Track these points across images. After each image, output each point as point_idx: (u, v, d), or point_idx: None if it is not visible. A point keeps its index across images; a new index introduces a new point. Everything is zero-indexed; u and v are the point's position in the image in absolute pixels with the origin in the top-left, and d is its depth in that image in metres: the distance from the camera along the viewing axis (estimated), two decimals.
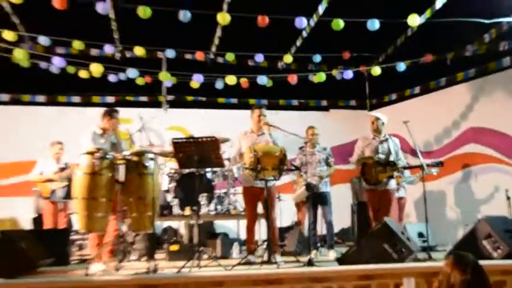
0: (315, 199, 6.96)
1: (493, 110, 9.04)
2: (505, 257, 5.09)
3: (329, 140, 8.02)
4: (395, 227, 5.32)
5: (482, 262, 4.86)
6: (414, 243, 5.59)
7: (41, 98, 10.58)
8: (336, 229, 7.88)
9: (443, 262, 2.93)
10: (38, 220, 8.29)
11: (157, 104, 10.89)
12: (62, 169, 7.69)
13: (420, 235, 7.56)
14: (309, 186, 6.59)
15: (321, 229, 7.73)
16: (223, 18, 8.20)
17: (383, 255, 5.03)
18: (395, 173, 6.49)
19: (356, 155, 6.75)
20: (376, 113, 6.85)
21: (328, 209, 7.08)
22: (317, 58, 10.39)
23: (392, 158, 6.52)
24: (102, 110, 6.16)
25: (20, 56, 9.10)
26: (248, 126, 6.47)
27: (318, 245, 7.85)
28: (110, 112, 6.02)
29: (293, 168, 6.84)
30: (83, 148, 5.37)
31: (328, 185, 7.26)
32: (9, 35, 8.81)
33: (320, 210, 7.17)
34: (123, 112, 6.10)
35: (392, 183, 6.60)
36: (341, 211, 7.21)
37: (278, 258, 5.76)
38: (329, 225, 7.05)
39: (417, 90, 10.60)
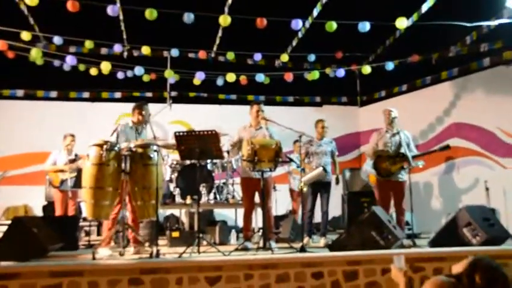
0: (318, 188, 6.89)
1: (475, 106, 9.02)
2: (483, 244, 5.09)
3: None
4: (383, 216, 5.29)
5: (461, 248, 4.91)
6: (400, 231, 5.56)
7: (53, 94, 10.54)
8: None
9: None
10: (48, 208, 8.27)
11: (161, 100, 10.85)
12: (72, 160, 7.63)
13: (406, 223, 7.54)
14: (324, 168, 6.56)
15: (316, 217, 7.71)
16: (224, 20, 8.15)
17: (370, 242, 5.00)
18: (405, 164, 6.33)
19: (371, 147, 6.63)
20: (389, 107, 6.70)
21: (327, 198, 7.00)
22: (312, 57, 10.38)
23: (402, 150, 6.38)
24: (112, 104, 6.05)
25: (35, 54, 9.07)
26: (247, 120, 6.43)
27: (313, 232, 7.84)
28: (139, 106, 5.94)
29: (288, 160, 6.80)
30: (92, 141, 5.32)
31: (330, 175, 7.10)
32: (26, 35, 8.78)
33: (318, 199, 7.06)
34: (130, 107, 6.03)
35: (404, 175, 6.45)
36: (332, 200, 7.14)
37: (273, 244, 5.75)
38: (325, 214, 6.96)
39: (404, 87, 10.58)
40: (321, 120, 7.12)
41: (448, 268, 3.58)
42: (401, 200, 6.41)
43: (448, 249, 4.87)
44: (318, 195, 6.95)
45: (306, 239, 6.48)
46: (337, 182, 7.00)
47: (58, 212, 7.59)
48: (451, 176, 9.34)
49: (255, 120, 6.30)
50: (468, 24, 8.25)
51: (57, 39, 9.30)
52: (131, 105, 6.05)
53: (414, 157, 6.41)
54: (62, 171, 7.58)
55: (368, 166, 6.79)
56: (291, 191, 8.62)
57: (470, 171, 8.92)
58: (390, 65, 9.81)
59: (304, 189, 6.77)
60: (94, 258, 4.55)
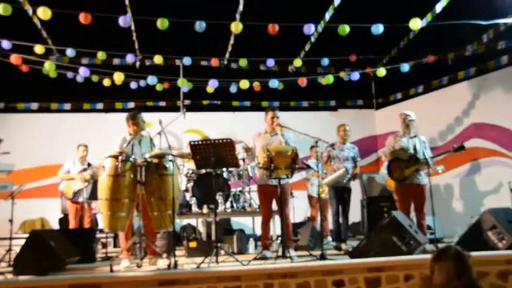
0: (340, 192, 6.85)
1: (493, 106, 8.91)
2: (510, 247, 4.96)
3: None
4: (404, 220, 5.21)
5: (487, 253, 4.81)
6: (422, 236, 5.47)
7: (67, 106, 10.65)
8: None
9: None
10: (64, 220, 8.33)
11: (175, 109, 10.89)
12: (84, 170, 7.68)
13: (428, 227, 7.43)
14: (347, 169, 6.52)
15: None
16: (236, 27, 8.17)
17: (392, 248, 4.92)
18: (425, 169, 6.21)
19: (388, 150, 6.52)
20: (406, 110, 6.62)
21: (348, 204, 6.95)
22: (325, 61, 10.33)
23: (420, 155, 6.27)
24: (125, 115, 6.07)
25: (48, 67, 9.17)
26: (261, 127, 6.41)
27: (330, 238, 7.79)
28: (132, 116, 5.94)
29: (305, 166, 6.76)
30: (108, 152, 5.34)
31: (350, 182, 7.06)
32: (39, 49, 8.89)
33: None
34: (143, 117, 6.04)
35: (424, 178, 6.34)
36: (351, 206, 7.08)
37: (292, 252, 5.69)
38: (345, 220, 6.91)
39: (420, 89, 10.50)
40: (343, 124, 7.12)
41: (475, 273, 3.51)
42: (422, 203, 6.31)
43: (473, 254, 4.77)
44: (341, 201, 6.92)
45: (343, 245, 6.56)
46: (354, 178, 6.93)
47: (72, 224, 7.64)
48: (473, 178, 9.20)
49: (270, 127, 6.26)
50: (484, 22, 8.17)
51: (70, 52, 9.40)
52: (145, 115, 6.07)
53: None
54: (72, 179, 7.61)
55: (385, 170, 6.70)
56: (309, 197, 8.56)
57: (493, 172, 8.78)
58: (405, 67, 9.75)
59: (323, 195, 6.73)
60: (111, 271, 4.55)
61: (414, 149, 6.37)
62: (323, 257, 5.03)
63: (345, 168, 6.60)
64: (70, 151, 8.11)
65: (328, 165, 6.90)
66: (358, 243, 5.39)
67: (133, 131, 5.89)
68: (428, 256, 4.87)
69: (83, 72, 9.68)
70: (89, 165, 7.83)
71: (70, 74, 10.01)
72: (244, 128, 8.63)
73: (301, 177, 8.81)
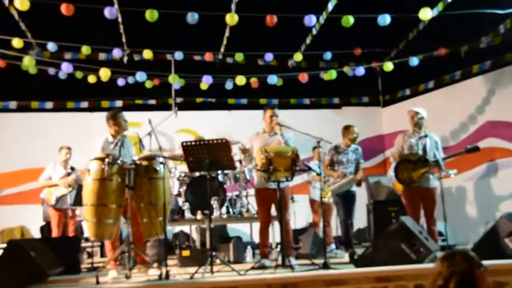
0: (345, 197, 6.84)
1: (510, 102, 8.90)
2: None
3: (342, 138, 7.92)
4: (413, 226, 5.22)
5: (505, 261, 4.81)
6: (433, 243, 5.49)
7: (49, 105, 10.62)
8: None
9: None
10: (46, 228, 8.32)
11: (166, 107, 10.90)
12: (68, 174, 7.67)
13: (439, 234, 7.45)
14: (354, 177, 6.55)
15: (337, 230, 7.66)
16: (231, 18, 8.18)
17: (400, 256, 4.93)
18: (436, 172, 6.20)
19: (396, 151, 6.50)
20: (415, 107, 6.61)
21: (352, 209, 6.95)
22: (328, 56, 10.36)
23: (430, 156, 6.26)
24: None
25: (28, 63, 9.15)
26: (258, 126, 6.42)
27: (333, 246, 7.80)
28: (112, 116, 5.93)
29: (306, 168, 6.76)
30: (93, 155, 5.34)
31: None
32: (17, 43, 8.87)
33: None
34: (132, 116, 6.04)
35: (434, 181, 6.34)
36: (356, 211, 7.09)
37: (293, 261, 5.70)
38: (350, 226, 6.92)
39: (431, 84, 10.50)
40: (351, 126, 6.99)
41: (492, 283, 3.51)
42: (433, 208, 6.32)
43: (490, 262, 4.77)
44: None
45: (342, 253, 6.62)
46: (359, 184, 6.89)
47: (55, 232, 7.64)
48: (488, 180, 9.21)
49: (269, 126, 6.27)
50: (501, 12, 8.17)
51: (51, 46, 9.39)
52: (133, 114, 6.08)
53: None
54: (55, 185, 7.61)
55: (392, 172, 6.71)
56: (312, 201, 8.56)
57: (509, 174, 8.79)
58: (414, 61, 9.77)
59: (325, 199, 6.73)
60: (97, 283, 4.55)
61: (424, 149, 6.37)
62: (326, 265, 5.04)
63: (353, 176, 6.61)
64: (51, 154, 8.09)
65: (330, 169, 6.87)
66: (364, 251, 5.41)
67: (114, 132, 5.89)
68: None
69: (66, 68, 9.67)
70: (72, 169, 7.82)
71: (51, 70, 9.99)
72: (240, 128, 8.63)
73: (303, 180, 8.81)
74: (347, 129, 6.99)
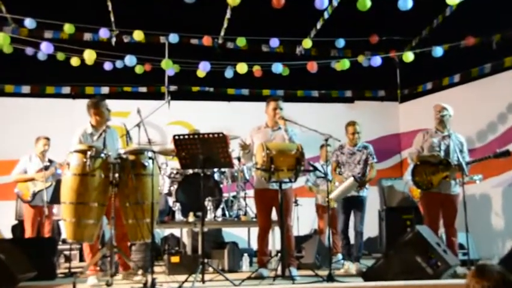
0: (351, 204, 6.85)
1: None
2: None
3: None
4: (430, 237, 5.25)
5: None
6: (453, 256, 5.51)
7: (26, 89, 10.61)
8: None
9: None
10: (18, 228, 8.34)
11: (158, 96, 10.89)
12: (46, 167, 7.68)
13: (460, 247, 7.47)
14: (356, 178, 6.53)
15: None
16: None
17: (415, 270, 4.97)
18: (459, 177, 6.19)
19: (415, 151, 6.51)
20: (443, 103, 6.58)
21: (361, 216, 6.92)
22: (341, 43, 10.34)
23: (453, 158, 6.28)
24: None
25: (2, 40, 9.13)
26: (260, 120, 6.44)
27: (340, 256, 7.82)
28: (94, 104, 5.95)
29: (311, 168, 6.78)
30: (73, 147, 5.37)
31: (365, 189, 6.95)
32: None
33: (351, 217, 7.00)
34: (120, 105, 6.08)
35: (456, 187, 6.37)
36: (367, 218, 7.10)
37: (294, 272, 5.74)
38: (359, 234, 6.91)
39: (456, 78, 10.45)
40: (353, 123, 6.96)
41: None
42: (453, 217, 6.34)
43: None
44: (352, 213, 6.91)
45: (346, 265, 6.58)
46: (363, 185, 6.81)
47: (28, 232, 7.68)
48: None
49: (272, 120, 6.29)
50: None
51: (29, 22, 9.37)
52: (122, 102, 6.10)
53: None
54: (32, 180, 7.64)
55: (409, 176, 6.72)
56: (317, 206, 8.59)
57: None
58: (438, 51, 9.76)
59: (332, 203, 6.76)
60: None
61: (447, 151, 6.38)
62: (330, 278, 5.07)
63: (353, 178, 6.58)
64: (28, 144, 8.12)
65: (337, 173, 6.88)
66: (374, 263, 5.44)
67: (95, 122, 5.92)
68: (460, 281, 4.93)
69: (45, 48, 9.65)
70: (50, 162, 7.85)
71: (29, 50, 9.95)
72: (240, 121, 8.68)
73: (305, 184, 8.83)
74: (347, 126, 6.98)
